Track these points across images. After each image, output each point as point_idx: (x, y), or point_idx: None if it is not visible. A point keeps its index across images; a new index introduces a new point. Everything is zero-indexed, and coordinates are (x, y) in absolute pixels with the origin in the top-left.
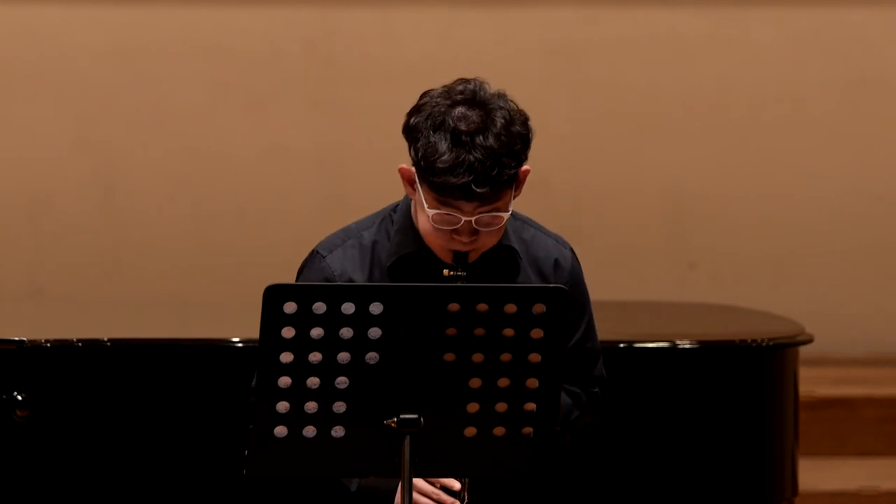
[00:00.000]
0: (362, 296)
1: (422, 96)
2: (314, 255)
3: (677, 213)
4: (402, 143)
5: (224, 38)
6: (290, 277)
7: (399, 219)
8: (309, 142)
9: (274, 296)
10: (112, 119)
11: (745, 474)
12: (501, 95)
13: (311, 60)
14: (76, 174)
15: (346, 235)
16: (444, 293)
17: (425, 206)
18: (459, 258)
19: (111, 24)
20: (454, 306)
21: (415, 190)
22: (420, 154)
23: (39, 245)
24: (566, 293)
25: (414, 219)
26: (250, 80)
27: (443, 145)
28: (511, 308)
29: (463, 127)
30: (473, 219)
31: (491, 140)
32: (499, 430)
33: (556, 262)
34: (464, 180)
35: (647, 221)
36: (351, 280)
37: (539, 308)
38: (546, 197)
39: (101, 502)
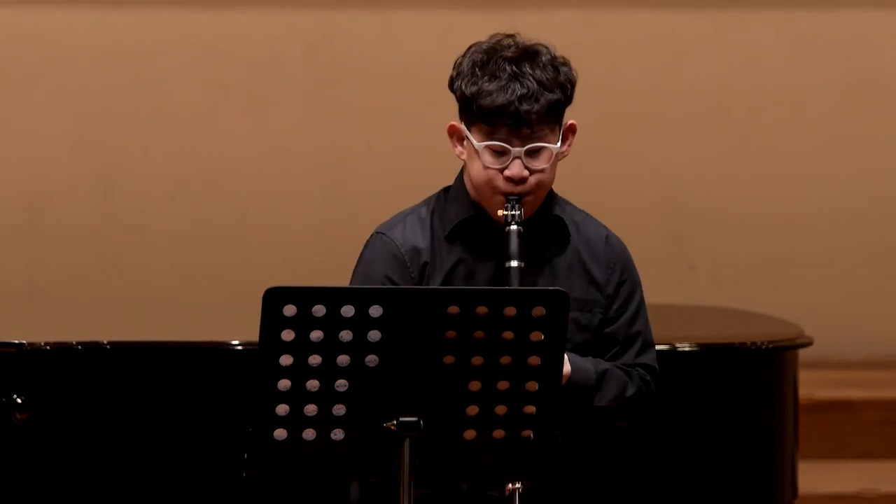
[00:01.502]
0: (362, 299)
1: (466, 50)
2: (375, 236)
3: (677, 214)
4: (402, 145)
5: (224, 40)
6: (290, 278)
7: (453, 191)
8: (308, 143)
9: (273, 298)
10: (112, 120)
11: (745, 477)
12: (544, 44)
13: (310, 63)
14: (76, 175)
15: (403, 215)
16: (444, 296)
17: (475, 145)
18: (513, 203)
19: (111, 26)
20: (454, 309)
21: (464, 147)
22: (467, 82)
23: (39, 246)
24: (566, 296)
25: (467, 183)
26: (250, 82)
27: (490, 74)
28: (510, 311)
29: (509, 54)
30: (523, 149)
31: (538, 71)
32: (498, 433)
33: (607, 239)
34: (511, 99)
35: (648, 223)
36: (415, 248)
37: (539, 311)
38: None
39: None
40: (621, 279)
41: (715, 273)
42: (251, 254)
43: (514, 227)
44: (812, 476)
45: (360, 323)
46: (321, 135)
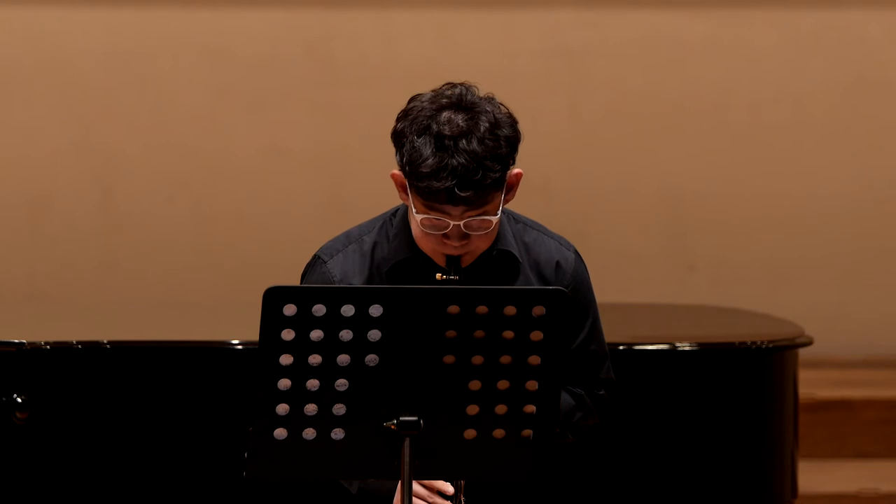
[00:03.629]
0: (362, 298)
1: (410, 101)
2: (316, 260)
3: (677, 215)
4: None
5: (224, 40)
6: (289, 279)
7: (398, 223)
8: (308, 144)
9: (274, 298)
10: (112, 121)
11: (745, 476)
12: (489, 99)
13: (310, 63)
14: (76, 176)
15: (347, 240)
16: (444, 295)
17: (414, 211)
18: (452, 262)
19: (111, 26)
20: (454, 308)
21: (407, 195)
22: (405, 159)
23: (39, 247)
24: (566, 295)
25: (411, 221)
26: (250, 83)
27: (426, 150)
28: (511, 310)
29: (447, 131)
30: (462, 223)
31: (475, 144)
32: (498, 433)
33: (558, 265)
34: (447, 184)
35: (647, 224)
36: (351, 284)
37: (539, 310)
38: (546, 200)
39: None
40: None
41: (714, 274)
42: (251, 254)
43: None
44: (812, 475)
45: (360, 322)
46: (321, 135)
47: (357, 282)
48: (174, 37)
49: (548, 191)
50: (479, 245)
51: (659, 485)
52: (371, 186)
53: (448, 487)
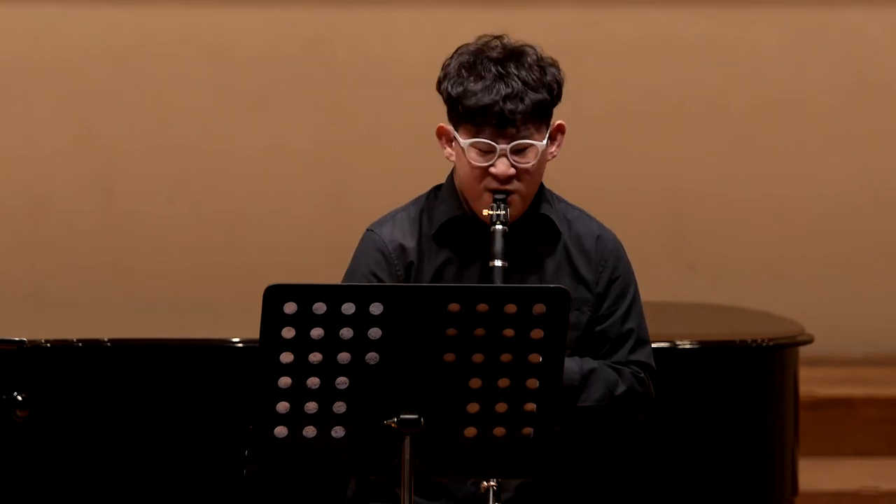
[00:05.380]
0: (362, 296)
1: (455, 51)
2: (366, 233)
3: (677, 213)
4: (403, 144)
5: (225, 38)
6: (290, 277)
7: (444, 189)
8: (309, 142)
9: (274, 296)
10: (112, 119)
11: (746, 474)
12: (531, 45)
13: (311, 61)
14: (76, 175)
15: (394, 212)
16: (444, 293)
17: (461, 143)
18: (500, 201)
19: (111, 24)
20: (454, 306)
21: (453, 148)
22: (453, 83)
23: (39, 245)
24: (567, 294)
25: (456, 182)
26: (251, 81)
27: (477, 72)
28: (511, 308)
29: (495, 55)
30: (509, 146)
31: (523, 71)
32: (499, 431)
33: (599, 238)
34: (496, 98)
35: (648, 222)
36: (402, 246)
37: (539, 308)
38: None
39: (101, 502)
40: (612, 276)
41: (715, 273)
42: (251, 253)
43: (498, 226)
44: (812, 473)
45: (361, 320)
46: (321, 133)
47: (407, 243)
48: (174, 35)
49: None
50: (524, 183)
51: (660, 483)
52: (372, 185)
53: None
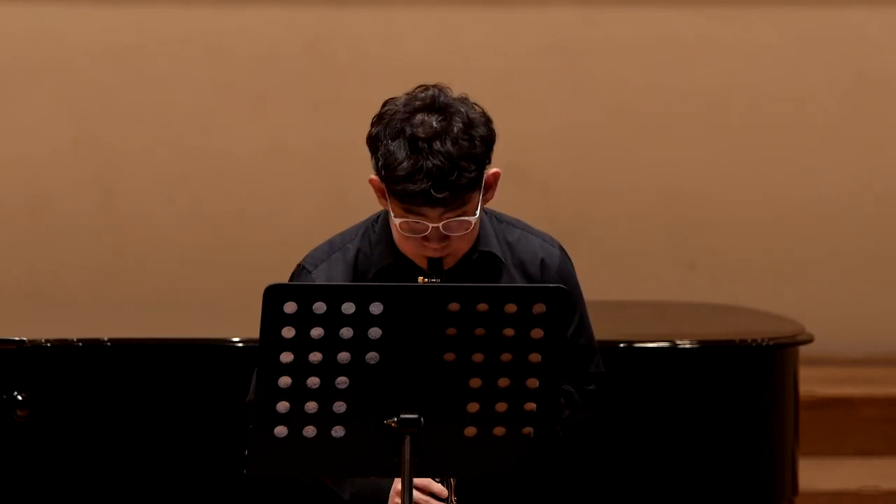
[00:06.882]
0: (362, 296)
1: (383, 105)
2: (300, 270)
3: (677, 213)
4: None
5: (224, 38)
6: (289, 277)
7: (380, 230)
8: (309, 142)
9: (274, 295)
10: (112, 119)
11: (745, 474)
12: (463, 100)
13: (311, 60)
14: (76, 174)
15: (330, 249)
16: (445, 293)
17: (392, 215)
18: (434, 265)
19: (111, 23)
20: (454, 306)
21: (385, 200)
22: (381, 163)
23: (39, 245)
24: (566, 293)
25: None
26: (251, 81)
27: (401, 153)
28: (511, 308)
29: (421, 133)
30: (440, 225)
31: (449, 145)
32: (499, 430)
33: (543, 262)
34: (423, 186)
35: (647, 222)
36: None
37: (539, 308)
38: (546, 198)
39: (101, 502)
40: None
41: (715, 271)
42: (251, 253)
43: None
44: (812, 473)
45: (361, 320)
46: (322, 133)
47: None
48: (174, 35)
49: (548, 189)
50: (460, 246)
51: (660, 482)
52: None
53: (441, 491)
